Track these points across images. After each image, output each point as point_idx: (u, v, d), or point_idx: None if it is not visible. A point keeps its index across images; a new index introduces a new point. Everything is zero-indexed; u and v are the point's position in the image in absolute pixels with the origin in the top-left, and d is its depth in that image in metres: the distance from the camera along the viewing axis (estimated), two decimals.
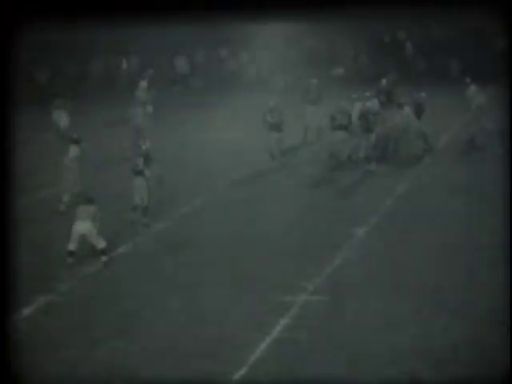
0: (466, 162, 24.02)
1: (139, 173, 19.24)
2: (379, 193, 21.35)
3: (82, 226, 16.78)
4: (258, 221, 19.52)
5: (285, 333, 13.68)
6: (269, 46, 37.74)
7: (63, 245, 17.25)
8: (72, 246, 16.75)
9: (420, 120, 24.79)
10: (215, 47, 40.40)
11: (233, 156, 25.56)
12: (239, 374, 12.43)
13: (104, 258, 16.91)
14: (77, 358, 13.13)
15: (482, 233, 17.96)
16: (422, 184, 22.11)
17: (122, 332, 13.98)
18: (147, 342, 13.59)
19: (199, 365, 12.75)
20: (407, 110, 24.60)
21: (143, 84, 30.10)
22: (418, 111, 24.81)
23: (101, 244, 16.94)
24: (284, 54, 37.52)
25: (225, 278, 16.09)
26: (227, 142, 27.19)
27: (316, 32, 38.90)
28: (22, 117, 27.78)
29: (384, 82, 27.29)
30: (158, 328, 14.08)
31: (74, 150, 21.53)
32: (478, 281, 15.47)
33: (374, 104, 24.78)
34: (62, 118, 27.11)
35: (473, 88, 26.71)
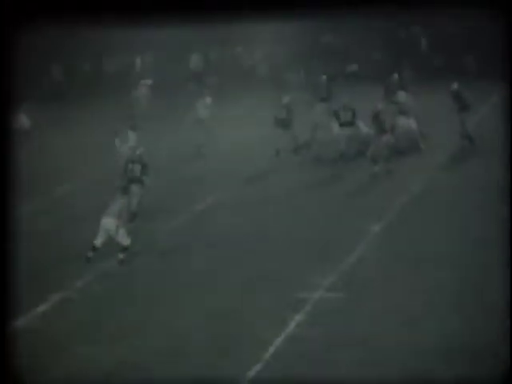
0: (479, 160, 23.84)
1: (136, 180, 18.83)
2: (393, 190, 21.22)
3: (106, 221, 16.62)
4: (272, 218, 19.49)
5: (300, 329, 13.64)
6: (283, 42, 37.63)
7: (79, 242, 17.29)
8: (97, 241, 16.64)
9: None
10: (229, 44, 40.33)
11: (246, 153, 25.47)
12: (254, 370, 12.39)
13: (121, 256, 16.79)
14: (91, 355, 13.14)
15: (497, 230, 17.83)
16: (435, 182, 21.98)
17: (136, 329, 13.98)
18: (161, 339, 13.59)
19: (214, 361, 12.74)
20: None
21: (146, 83, 30.24)
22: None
23: (125, 241, 16.77)
24: (298, 51, 37.41)
25: (239, 275, 16.07)
26: (240, 139, 27.10)
27: (330, 28, 38.79)
28: (34, 115, 27.98)
29: (396, 77, 27.00)
30: (173, 325, 14.07)
31: (132, 138, 21.75)
32: (491, 279, 15.35)
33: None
34: (24, 122, 27.26)
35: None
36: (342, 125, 23.98)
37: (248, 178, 23.07)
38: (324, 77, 27.26)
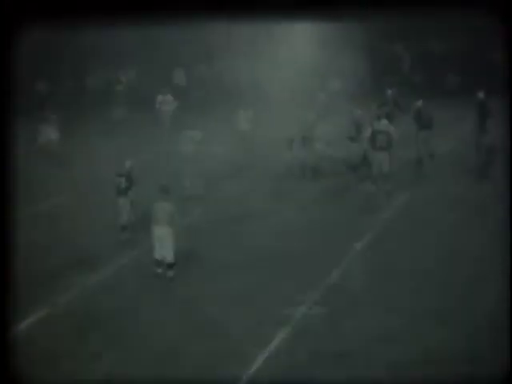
0: (463, 175, 24.07)
1: (122, 192, 19.01)
2: (377, 206, 21.35)
3: (159, 231, 16.42)
4: (256, 234, 19.54)
5: (283, 345, 13.74)
6: (267, 58, 37.74)
7: (65, 255, 17.32)
8: (157, 255, 16.50)
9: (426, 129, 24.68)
10: (213, 59, 40.47)
11: (231, 169, 25.49)
12: None
13: (170, 274, 16.55)
14: (76, 369, 13.20)
15: (480, 245, 18.05)
16: (418, 197, 22.14)
17: (120, 344, 14.03)
18: (146, 354, 13.64)
19: (198, 377, 12.82)
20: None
21: (169, 98, 30.60)
22: (420, 120, 24.71)
23: (169, 257, 16.49)
24: (282, 66, 37.51)
25: (224, 290, 16.14)
26: (226, 154, 27.14)
27: (314, 44, 38.95)
28: (22, 127, 27.90)
29: (390, 92, 27.17)
30: (157, 341, 14.13)
31: (197, 136, 22.11)
32: (476, 292, 15.55)
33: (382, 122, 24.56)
34: (51, 132, 27.31)
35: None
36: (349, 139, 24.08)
37: (234, 194, 23.12)
38: (322, 95, 27.38)
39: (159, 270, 16.73)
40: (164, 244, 16.52)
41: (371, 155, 22.81)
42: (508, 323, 13.45)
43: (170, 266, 16.65)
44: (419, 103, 25.09)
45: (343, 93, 36.15)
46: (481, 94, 25.48)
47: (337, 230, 19.65)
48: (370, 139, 22.77)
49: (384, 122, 23.06)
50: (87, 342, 14.16)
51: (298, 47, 37.29)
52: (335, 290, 16.01)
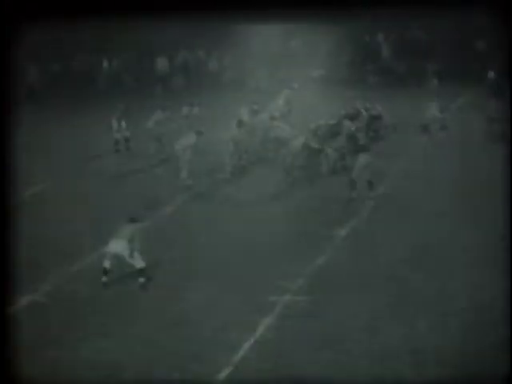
0: (445, 161, 24.28)
1: None
2: (360, 194, 21.40)
3: (115, 246, 16.09)
4: (241, 222, 19.60)
5: (269, 333, 13.84)
6: (249, 46, 37.73)
7: (49, 244, 17.61)
8: (106, 264, 16.20)
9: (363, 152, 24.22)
10: (196, 48, 40.43)
11: (216, 156, 25.36)
12: (224, 373, 12.57)
13: (141, 280, 16.15)
14: (60, 357, 13.23)
15: (464, 231, 18.23)
16: (400, 185, 22.30)
17: (105, 332, 14.07)
18: (131, 342, 13.70)
19: (184, 364, 12.89)
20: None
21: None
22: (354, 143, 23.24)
23: (139, 264, 16.15)
24: (265, 55, 37.54)
25: (209, 278, 16.20)
26: (208, 142, 27.14)
27: (297, 33, 38.99)
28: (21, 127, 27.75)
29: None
30: (142, 328, 14.18)
31: (191, 137, 22.28)
32: (459, 280, 15.73)
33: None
34: None
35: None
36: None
37: (217, 180, 23.14)
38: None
39: (105, 279, 16.41)
40: (130, 256, 16.17)
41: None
42: (508, 323, 13.51)
43: (142, 271, 16.20)
44: (352, 127, 24.18)
45: (325, 80, 36.24)
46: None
47: (316, 220, 19.58)
48: (350, 140, 22.91)
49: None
50: (72, 330, 14.21)
51: (278, 38, 37.38)
52: (319, 277, 16.09)
